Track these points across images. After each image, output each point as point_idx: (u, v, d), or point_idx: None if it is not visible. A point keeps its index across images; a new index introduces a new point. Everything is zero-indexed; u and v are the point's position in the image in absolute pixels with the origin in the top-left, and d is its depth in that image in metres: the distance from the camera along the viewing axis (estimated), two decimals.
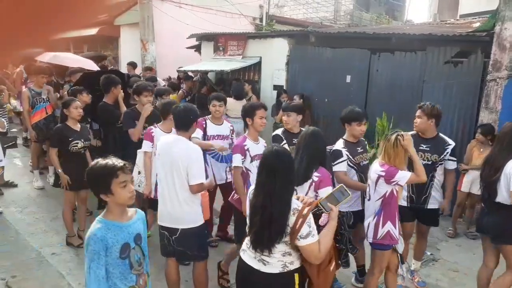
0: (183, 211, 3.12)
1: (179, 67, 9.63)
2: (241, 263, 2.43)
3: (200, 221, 3.23)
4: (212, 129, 4.44)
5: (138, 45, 10.99)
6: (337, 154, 3.69)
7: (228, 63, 8.83)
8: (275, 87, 8.26)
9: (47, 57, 7.90)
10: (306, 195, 2.85)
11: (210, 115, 4.55)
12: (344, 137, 3.87)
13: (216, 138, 4.41)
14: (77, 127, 4.47)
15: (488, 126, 5.16)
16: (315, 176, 2.98)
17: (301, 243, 2.19)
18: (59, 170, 4.39)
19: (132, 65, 9.29)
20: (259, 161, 2.41)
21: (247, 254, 2.38)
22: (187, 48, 11.10)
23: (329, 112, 7.25)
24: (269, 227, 2.18)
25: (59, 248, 4.53)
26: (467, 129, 5.85)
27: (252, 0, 13.73)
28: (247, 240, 2.38)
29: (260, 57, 8.58)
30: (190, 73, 9.37)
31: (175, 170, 3.08)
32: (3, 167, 5.44)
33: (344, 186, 2.45)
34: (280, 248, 2.23)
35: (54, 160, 4.41)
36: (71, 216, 4.59)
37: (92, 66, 8.14)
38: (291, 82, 7.97)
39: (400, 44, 6.45)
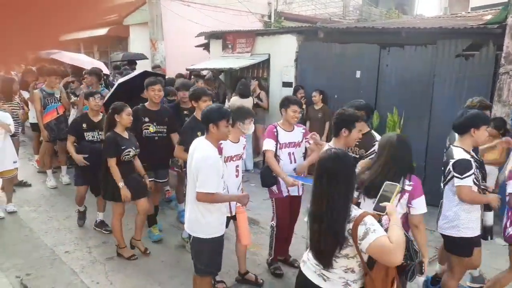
0: (196, 218, 3.04)
1: (191, 65, 9.65)
2: (300, 276, 2.30)
3: (214, 234, 3.06)
4: (284, 136, 4.01)
5: (147, 44, 11.03)
6: (466, 165, 3.09)
7: (236, 61, 8.82)
8: (284, 83, 8.23)
9: (65, 58, 8.08)
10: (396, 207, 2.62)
11: (281, 121, 4.09)
12: (460, 145, 3.26)
13: (288, 146, 4.01)
14: (126, 134, 4.24)
15: (500, 119, 5.07)
16: (407, 185, 2.70)
17: (363, 245, 1.99)
18: (122, 184, 4.09)
19: (159, 67, 9.21)
20: (316, 165, 2.22)
21: (307, 267, 2.26)
22: (196, 46, 11.12)
23: (339, 107, 7.18)
24: (327, 235, 2.06)
25: (72, 246, 4.60)
26: None
27: None
28: (307, 251, 2.29)
29: (269, 54, 8.55)
30: (205, 72, 9.32)
31: (192, 174, 3.00)
32: (17, 168, 5.52)
33: (389, 182, 2.38)
34: (342, 262, 2.08)
35: (115, 173, 4.08)
36: (121, 227, 4.38)
37: (105, 69, 8.34)
38: (300, 78, 7.93)
39: (410, 38, 6.37)
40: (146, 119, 4.64)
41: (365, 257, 2.08)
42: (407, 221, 2.80)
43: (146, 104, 4.73)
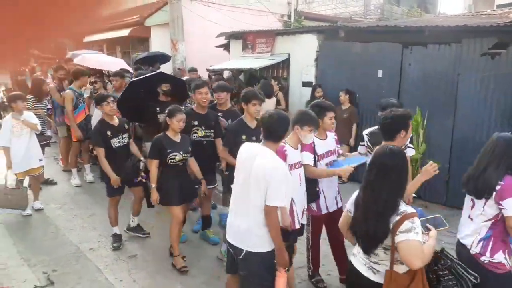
0: (251, 231, 2.75)
1: (211, 66, 9.72)
2: (351, 267, 2.43)
3: (270, 247, 2.76)
4: (320, 146, 3.69)
5: (168, 45, 11.16)
6: None
7: (256, 61, 8.83)
8: (304, 83, 8.21)
9: (87, 62, 8.28)
10: (483, 207, 2.62)
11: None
12: None
13: (325, 156, 3.71)
14: (178, 138, 4.12)
15: None
16: (498, 184, 2.59)
17: (400, 237, 2.09)
18: (153, 185, 4.03)
19: (195, 70, 9.21)
20: (371, 158, 2.35)
21: (357, 259, 2.38)
22: (216, 46, 11.19)
23: (360, 108, 7.14)
24: (372, 224, 2.20)
25: (96, 244, 4.69)
26: (506, 123, 5.62)
27: None
28: (358, 244, 2.40)
29: (289, 54, 8.53)
30: (226, 72, 9.33)
31: (253, 184, 2.72)
32: (42, 166, 5.67)
33: (441, 217, 2.52)
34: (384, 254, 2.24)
35: (153, 175, 4.03)
36: (179, 234, 4.26)
37: (126, 66, 8.51)
38: (320, 78, 7.88)
39: (433, 37, 6.26)
40: (196, 123, 4.54)
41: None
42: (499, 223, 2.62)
43: (193, 107, 4.68)
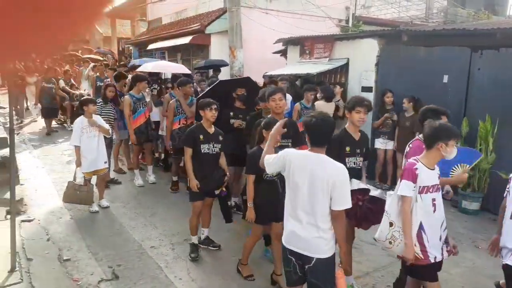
0: (320, 237, 2.73)
1: (265, 72, 9.80)
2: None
3: (333, 250, 2.81)
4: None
5: (226, 52, 11.42)
6: None
7: (314, 66, 8.77)
8: (363, 88, 8.02)
9: (149, 68, 8.70)
10: None
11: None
12: None
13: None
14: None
15: None
16: None
17: None
18: (250, 204, 3.88)
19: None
20: None
21: None
22: (273, 53, 11.27)
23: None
24: None
25: (157, 242, 4.86)
26: None
27: (338, 2, 13.53)
28: None
29: (348, 59, 8.39)
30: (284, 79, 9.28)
31: (316, 192, 2.70)
32: (108, 167, 5.99)
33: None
34: None
35: (249, 192, 3.89)
36: (253, 246, 4.14)
37: (185, 70, 8.83)
38: (380, 83, 7.67)
39: (505, 40, 5.87)
40: None
41: None
42: None
43: (269, 115, 4.47)
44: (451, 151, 2.90)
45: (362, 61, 8.03)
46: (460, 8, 18.51)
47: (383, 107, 7.19)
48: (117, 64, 13.84)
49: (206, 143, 4.40)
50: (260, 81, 9.78)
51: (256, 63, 11.38)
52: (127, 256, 4.49)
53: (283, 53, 10.88)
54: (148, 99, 6.95)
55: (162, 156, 8.02)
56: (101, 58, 17.92)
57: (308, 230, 2.74)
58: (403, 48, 7.28)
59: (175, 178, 6.75)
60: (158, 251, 4.64)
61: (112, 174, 7.06)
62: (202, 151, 4.39)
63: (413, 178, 2.90)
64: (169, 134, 6.51)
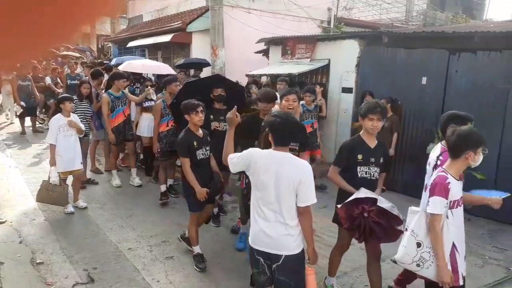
0: (288, 234, 2.75)
1: (249, 71, 9.76)
2: None
3: (301, 247, 2.83)
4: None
5: (208, 50, 11.30)
6: None
7: (295, 66, 8.78)
8: (344, 89, 8.07)
9: (134, 67, 8.55)
10: None
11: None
12: None
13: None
14: None
15: None
16: None
17: None
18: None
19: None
20: None
21: None
22: (255, 52, 11.24)
23: (403, 116, 6.93)
24: None
25: (134, 244, 4.76)
26: None
27: (320, 3, 13.59)
28: None
29: (329, 60, 8.43)
30: (264, 78, 9.32)
31: (282, 190, 2.72)
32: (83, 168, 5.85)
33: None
34: None
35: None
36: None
37: (169, 70, 8.72)
38: (361, 84, 7.72)
39: (483, 43, 5.98)
40: None
41: None
42: None
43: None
44: (478, 159, 2.73)
45: (343, 62, 8.07)
46: (439, 11, 18.87)
47: None
48: (96, 61, 13.60)
49: (200, 148, 4.24)
50: (243, 81, 9.76)
51: (238, 63, 11.32)
52: (103, 258, 4.39)
53: (265, 52, 10.86)
54: (125, 98, 6.77)
55: (141, 156, 7.87)
56: (79, 55, 17.57)
57: (276, 229, 2.75)
58: (383, 49, 7.35)
59: (163, 188, 6.13)
60: (135, 253, 4.54)
61: (89, 174, 6.90)
62: (198, 157, 4.22)
63: (446, 194, 2.68)
64: (156, 137, 6.16)
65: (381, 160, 3.47)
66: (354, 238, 3.45)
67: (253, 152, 2.87)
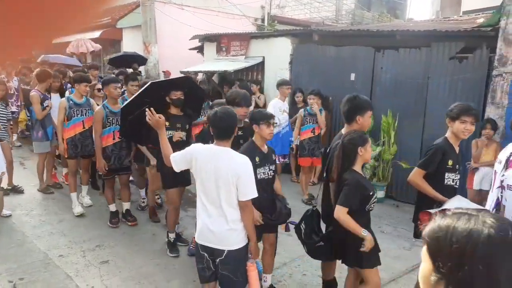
0: (231, 229, 2.77)
1: (185, 68, 9.63)
2: None
3: (244, 241, 2.86)
4: None
5: (140, 47, 10.99)
6: None
7: (231, 63, 8.82)
8: None
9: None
10: None
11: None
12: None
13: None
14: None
15: (493, 120, 5.21)
16: None
17: None
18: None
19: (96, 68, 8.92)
20: None
21: None
22: (189, 49, 11.11)
23: (334, 111, 7.23)
24: None
25: (65, 250, 4.52)
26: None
27: (254, 1, 13.74)
28: None
29: (263, 57, 8.56)
30: (200, 75, 9.25)
31: (222, 185, 2.72)
32: (3, 172, 5.32)
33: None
34: None
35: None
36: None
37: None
38: (294, 81, 7.93)
39: (404, 41, 6.42)
40: None
41: None
42: None
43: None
44: None
45: (277, 59, 8.24)
46: (366, 11, 19.88)
47: (295, 106, 7.37)
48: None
49: (262, 166, 3.58)
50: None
51: (172, 59, 11.14)
52: (31, 268, 4.11)
53: (200, 49, 10.78)
54: (89, 106, 5.62)
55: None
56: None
57: (218, 224, 2.78)
58: (314, 47, 7.60)
59: (112, 208, 5.25)
60: (67, 260, 4.31)
61: (15, 182, 6.31)
62: (259, 176, 3.50)
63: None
64: (99, 152, 4.97)
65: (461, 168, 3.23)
66: None
67: (194, 148, 2.88)
